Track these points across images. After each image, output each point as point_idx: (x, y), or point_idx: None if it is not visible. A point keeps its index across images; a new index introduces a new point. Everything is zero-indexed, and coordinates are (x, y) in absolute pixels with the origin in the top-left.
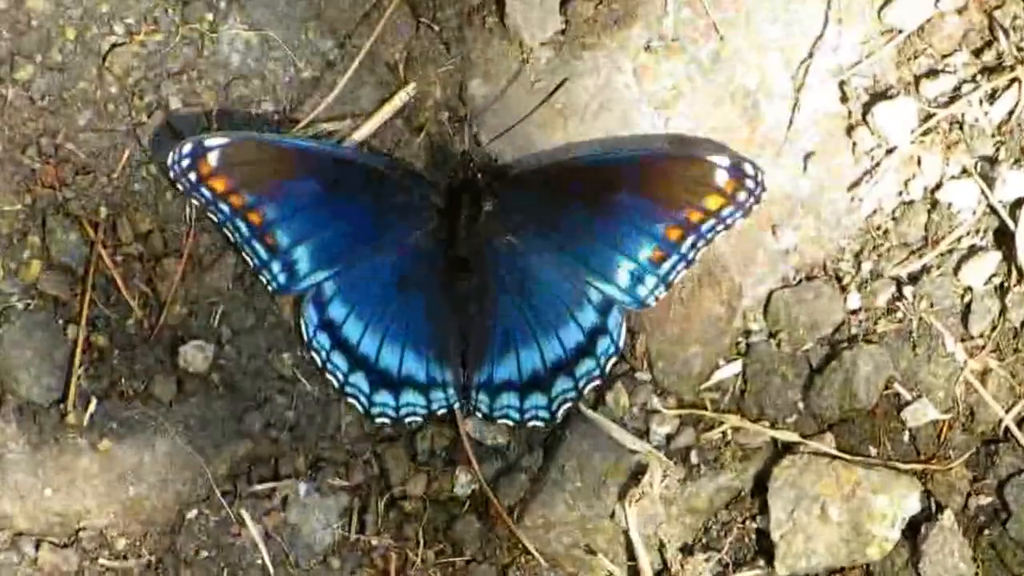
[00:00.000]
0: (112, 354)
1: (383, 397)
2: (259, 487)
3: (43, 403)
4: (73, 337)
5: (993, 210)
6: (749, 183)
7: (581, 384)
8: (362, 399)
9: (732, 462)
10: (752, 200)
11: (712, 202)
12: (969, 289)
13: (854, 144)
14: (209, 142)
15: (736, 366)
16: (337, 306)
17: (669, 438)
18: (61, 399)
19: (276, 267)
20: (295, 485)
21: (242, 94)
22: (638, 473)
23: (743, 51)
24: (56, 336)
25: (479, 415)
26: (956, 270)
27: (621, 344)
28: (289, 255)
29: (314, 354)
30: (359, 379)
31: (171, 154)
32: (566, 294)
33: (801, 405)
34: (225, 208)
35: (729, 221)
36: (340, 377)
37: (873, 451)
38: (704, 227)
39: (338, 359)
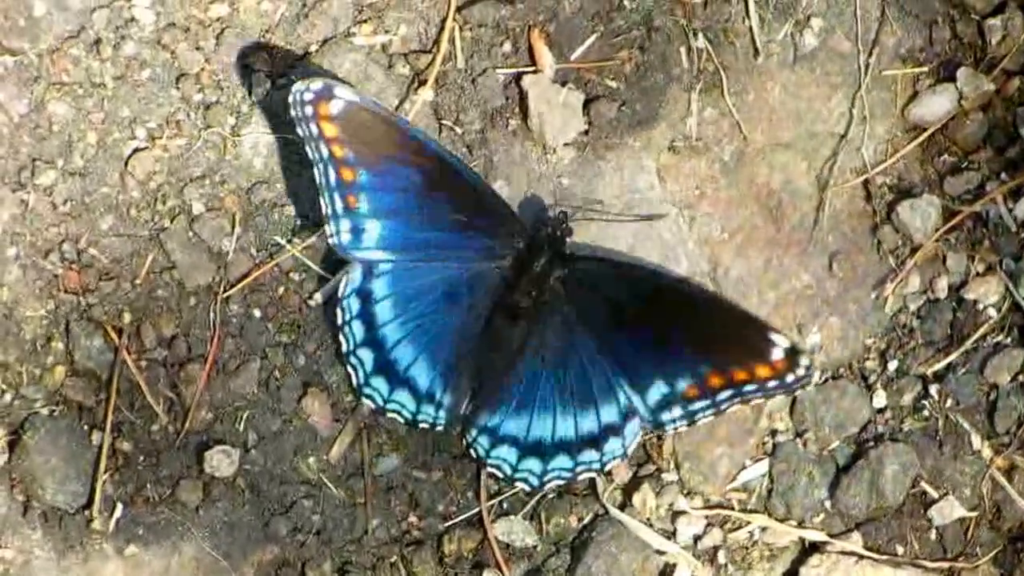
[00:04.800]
0: (137, 459)
1: (379, 383)
2: None
3: (68, 509)
4: (98, 443)
5: (1018, 307)
6: (800, 371)
7: (579, 469)
8: (360, 374)
9: (760, 562)
10: (797, 385)
11: (761, 371)
12: (995, 386)
13: (879, 242)
14: (339, 91)
15: (763, 466)
16: (382, 284)
17: (696, 538)
18: (86, 505)
19: (345, 225)
20: None
21: (265, 198)
22: (666, 574)
23: (767, 150)
24: (81, 442)
25: (472, 453)
26: (982, 368)
27: (630, 452)
28: (362, 222)
29: (339, 311)
30: (367, 355)
31: (299, 83)
32: (598, 384)
33: (828, 504)
34: (325, 151)
35: (771, 392)
36: (351, 343)
37: (900, 549)
38: (745, 388)
39: (358, 327)
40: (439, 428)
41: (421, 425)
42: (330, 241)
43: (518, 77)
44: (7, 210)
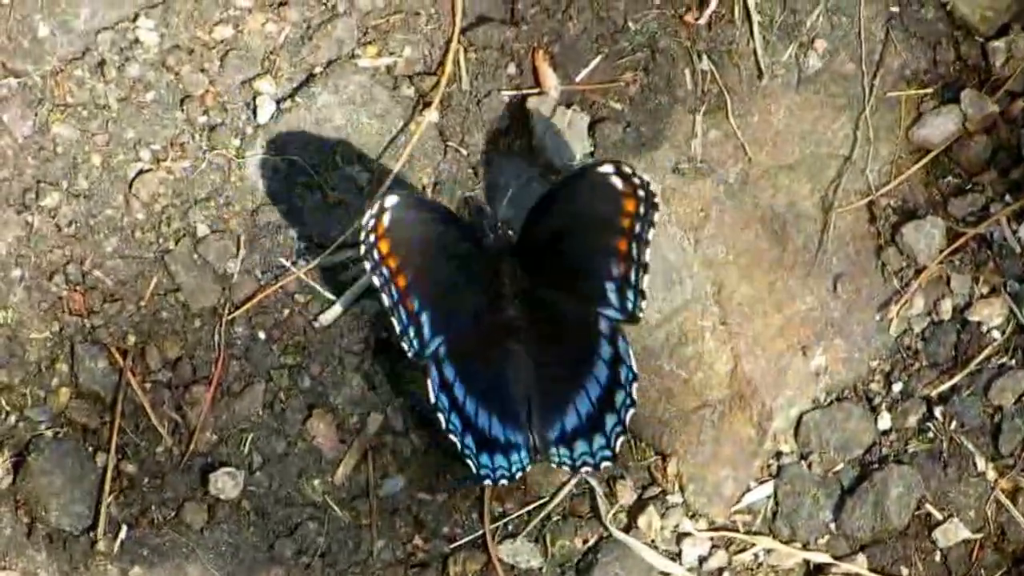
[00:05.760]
0: (142, 481)
1: (484, 459)
2: None
3: (73, 530)
4: (102, 464)
5: (1023, 329)
6: (635, 180)
7: (623, 415)
8: (472, 460)
9: None
10: (647, 195)
11: (629, 205)
12: (999, 408)
13: (883, 264)
14: (387, 201)
15: (767, 488)
16: (448, 367)
17: (701, 560)
18: (91, 526)
19: (412, 332)
20: None
21: (270, 220)
22: None
23: (771, 172)
24: (85, 464)
25: (566, 469)
26: (986, 389)
27: (636, 368)
28: (418, 319)
29: (439, 415)
30: (470, 440)
31: (363, 218)
32: (584, 333)
33: (833, 526)
34: (385, 272)
35: (649, 217)
36: (460, 437)
37: (905, 571)
38: (637, 229)
39: (456, 419)
40: (528, 468)
41: (518, 475)
42: (410, 356)
43: (523, 99)
44: (12, 232)
